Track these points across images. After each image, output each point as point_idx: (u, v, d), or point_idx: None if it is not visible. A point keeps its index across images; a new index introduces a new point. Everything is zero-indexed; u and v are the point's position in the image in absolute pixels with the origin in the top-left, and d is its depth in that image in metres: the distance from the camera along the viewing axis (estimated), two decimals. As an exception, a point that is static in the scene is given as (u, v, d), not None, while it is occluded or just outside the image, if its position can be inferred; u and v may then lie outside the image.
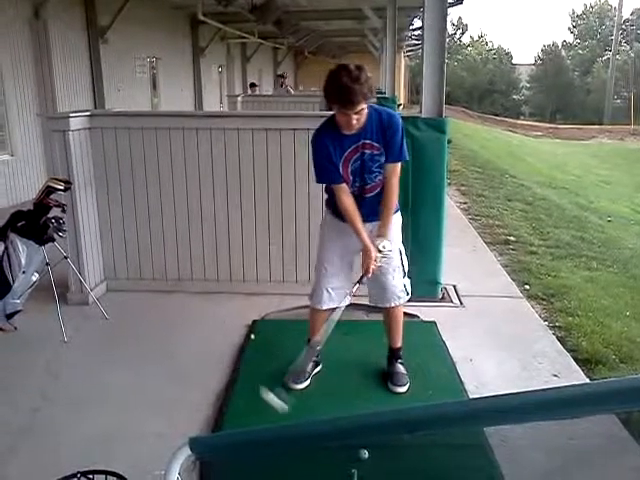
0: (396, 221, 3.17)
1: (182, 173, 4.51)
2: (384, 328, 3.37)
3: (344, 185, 2.96)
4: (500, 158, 17.05)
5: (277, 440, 1.35)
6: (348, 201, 2.96)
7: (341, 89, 2.71)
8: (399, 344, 3.34)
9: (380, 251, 2.97)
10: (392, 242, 3.08)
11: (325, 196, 3.25)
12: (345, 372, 3.43)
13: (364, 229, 2.97)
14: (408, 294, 3.24)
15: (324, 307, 3.20)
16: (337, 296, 3.16)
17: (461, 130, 21.68)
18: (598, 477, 1.48)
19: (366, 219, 3.00)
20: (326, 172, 2.97)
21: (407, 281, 3.23)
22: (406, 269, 3.22)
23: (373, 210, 3.03)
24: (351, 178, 2.98)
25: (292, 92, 16.31)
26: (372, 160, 2.95)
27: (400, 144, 2.96)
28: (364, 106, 2.77)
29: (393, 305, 3.23)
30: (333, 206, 3.10)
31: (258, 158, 4.44)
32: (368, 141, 2.91)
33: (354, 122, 2.80)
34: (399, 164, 3.03)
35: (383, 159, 2.96)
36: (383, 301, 3.24)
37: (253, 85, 15.95)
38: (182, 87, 15.67)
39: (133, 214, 4.60)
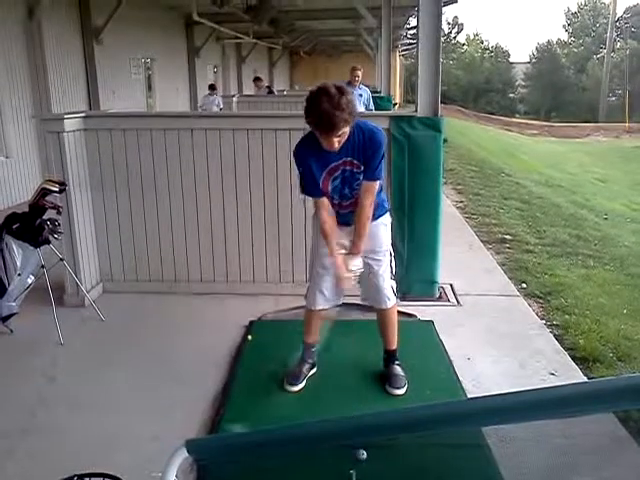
0: (385, 222, 3.18)
1: (177, 173, 4.50)
2: (379, 328, 3.35)
3: (324, 199, 2.97)
4: (496, 157, 17.08)
5: (274, 442, 1.34)
6: (325, 217, 2.97)
7: (322, 116, 2.68)
8: (394, 346, 3.32)
9: (351, 270, 3.01)
10: (382, 245, 3.12)
11: None
12: (342, 373, 3.42)
13: (339, 238, 3.01)
14: (396, 296, 3.27)
15: (318, 308, 3.23)
16: (331, 296, 3.20)
17: (457, 129, 21.69)
18: (597, 476, 1.48)
19: (347, 225, 3.05)
20: (307, 186, 2.98)
21: (393, 283, 3.24)
22: (393, 271, 3.23)
23: (348, 217, 3.06)
24: (331, 194, 2.98)
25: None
26: (353, 177, 2.93)
27: (378, 163, 2.92)
28: (345, 130, 2.74)
29: (384, 307, 3.23)
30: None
31: (254, 158, 4.43)
32: (349, 158, 2.88)
33: (335, 144, 2.78)
34: (375, 183, 2.97)
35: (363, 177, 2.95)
36: (376, 303, 3.25)
37: (258, 79, 15.74)
38: (177, 88, 15.65)
39: (129, 215, 4.59)
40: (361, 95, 8.98)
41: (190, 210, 4.56)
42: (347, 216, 3.05)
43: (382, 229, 3.15)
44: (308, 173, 2.92)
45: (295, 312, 4.03)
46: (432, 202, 4.32)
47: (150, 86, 14.16)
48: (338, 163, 2.89)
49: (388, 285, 3.19)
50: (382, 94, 12.79)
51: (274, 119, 4.57)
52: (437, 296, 4.51)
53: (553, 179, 13.98)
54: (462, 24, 58.84)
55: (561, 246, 6.51)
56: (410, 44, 26.15)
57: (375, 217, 3.08)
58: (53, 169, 4.22)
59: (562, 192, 11.94)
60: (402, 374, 3.26)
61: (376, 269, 3.13)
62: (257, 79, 15.80)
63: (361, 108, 8.66)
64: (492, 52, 57.08)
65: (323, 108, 2.66)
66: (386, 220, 3.19)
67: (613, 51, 46.93)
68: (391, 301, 3.22)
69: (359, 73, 8.88)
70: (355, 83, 8.71)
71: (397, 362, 3.31)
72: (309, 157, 2.90)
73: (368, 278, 3.14)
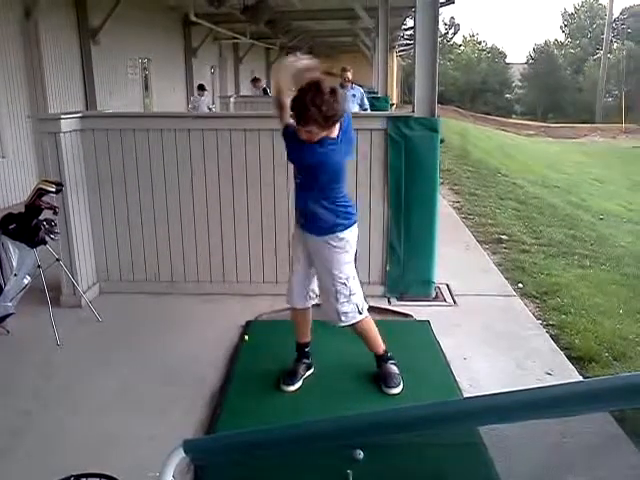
0: (339, 243, 3.01)
1: (174, 174, 4.50)
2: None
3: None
4: (492, 157, 17.10)
5: (271, 442, 1.34)
6: None
7: (298, 103, 2.74)
8: (380, 350, 3.27)
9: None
10: (334, 267, 3.02)
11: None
12: (338, 373, 3.42)
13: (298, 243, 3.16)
14: (354, 317, 3.10)
15: (296, 305, 3.26)
16: (302, 293, 3.22)
17: (453, 129, 21.72)
18: (592, 475, 1.48)
19: (304, 225, 3.08)
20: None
21: (354, 304, 3.08)
22: (346, 293, 3.05)
23: (308, 214, 3.02)
24: (292, 158, 3.05)
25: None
26: (308, 164, 2.96)
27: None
28: (313, 129, 2.76)
29: (339, 325, 3.13)
30: (295, 213, 3.18)
31: (250, 158, 4.43)
32: (306, 161, 2.93)
33: (303, 135, 2.82)
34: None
35: (303, 177, 2.99)
36: (328, 319, 3.16)
37: (256, 80, 15.70)
38: (174, 88, 15.63)
39: (125, 215, 4.59)
40: (354, 95, 8.93)
41: (187, 211, 4.55)
42: (299, 208, 3.06)
43: (331, 251, 2.99)
44: (290, 129, 2.99)
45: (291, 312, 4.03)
46: (428, 202, 4.32)
47: (147, 86, 14.14)
48: (298, 151, 2.95)
49: (344, 306, 3.06)
50: (379, 95, 12.80)
51: (271, 119, 4.54)
52: (433, 296, 4.52)
53: (549, 179, 14.00)
54: (459, 25, 59.22)
55: (557, 246, 6.53)
56: (407, 45, 26.18)
57: (328, 230, 2.98)
58: (50, 169, 4.22)
59: (558, 192, 11.96)
60: (396, 372, 3.24)
61: (326, 288, 3.08)
62: (255, 79, 15.78)
63: (355, 108, 8.63)
64: (489, 53, 57.14)
65: (305, 98, 2.71)
66: (342, 241, 3.00)
67: (610, 52, 47.05)
68: (348, 320, 3.10)
69: (349, 74, 8.80)
70: (346, 84, 8.62)
71: (391, 361, 3.29)
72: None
73: (326, 295, 3.11)
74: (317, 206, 2.97)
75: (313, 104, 2.68)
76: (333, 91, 2.75)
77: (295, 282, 3.23)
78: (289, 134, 2.98)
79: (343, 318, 3.09)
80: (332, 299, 3.07)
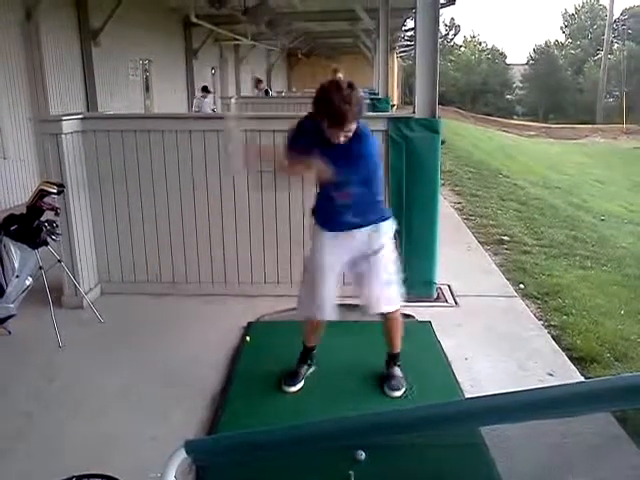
0: (387, 229, 3.10)
1: (175, 175, 4.50)
2: (383, 332, 3.29)
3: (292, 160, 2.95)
4: (494, 158, 17.10)
5: (273, 443, 1.35)
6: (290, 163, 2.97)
7: (332, 109, 2.68)
8: (396, 350, 3.29)
9: None
10: (376, 249, 3.03)
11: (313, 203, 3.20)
12: (340, 374, 3.43)
13: (331, 247, 3.04)
14: (397, 302, 3.15)
15: (329, 318, 3.17)
16: (324, 306, 3.12)
17: (454, 130, 21.72)
18: (594, 476, 1.49)
19: (343, 226, 3.00)
20: (293, 146, 2.97)
21: (394, 289, 3.11)
22: (394, 277, 3.09)
23: (359, 211, 2.96)
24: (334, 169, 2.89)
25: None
26: (345, 170, 2.85)
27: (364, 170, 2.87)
28: (352, 125, 2.75)
29: (382, 312, 3.15)
30: (317, 214, 3.12)
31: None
32: (342, 160, 2.82)
33: (342, 138, 2.78)
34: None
35: (353, 177, 2.86)
36: (366, 306, 3.15)
37: (258, 81, 15.77)
38: (175, 89, 15.65)
39: (127, 217, 4.59)
40: None
41: (188, 211, 4.56)
42: (342, 211, 2.94)
43: (384, 238, 3.05)
44: (301, 142, 2.91)
45: (293, 313, 4.03)
46: (430, 203, 4.32)
47: (148, 87, 14.16)
48: (334, 154, 2.84)
49: (383, 291, 3.07)
50: (380, 96, 12.81)
51: (272, 120, 4.56)
52: (435, 297, 4.52)
53: (551, 180, 14.01)
54: (459, 26, 59.17)
55: (559, 247, 6.52)
56: (408, 46, 26.18)
57: (380, 219, 3.04)
58: (51, 171, 4.22)
59: (560, 193, 11.97)
60: (401, 376, 3.26)
61: (367, 272, 3.07)
62: (257, 81, 15.86)
63: None
64: (489, 54, 57.12)
65: (334, 102, 2.67)
66: (387, 227, 3.09)
67: (610, 53, 47.07)
68: (390, 307, 3.13)
69: (340, 75, 8.86)
70: None
71: (398, 364, 3.30)
72: (309, 132, 2.87)
73: (361, 280, 3.10)
74: (365, 199, 2.93)
75: (344, 102, 2.66)
76: (350, 84, 2.74)
77: (327, 296, 3.10)
78: (316, 149, 2.84)
79: (388, 303, 3.11)
80: (374, 283, 3.05)
